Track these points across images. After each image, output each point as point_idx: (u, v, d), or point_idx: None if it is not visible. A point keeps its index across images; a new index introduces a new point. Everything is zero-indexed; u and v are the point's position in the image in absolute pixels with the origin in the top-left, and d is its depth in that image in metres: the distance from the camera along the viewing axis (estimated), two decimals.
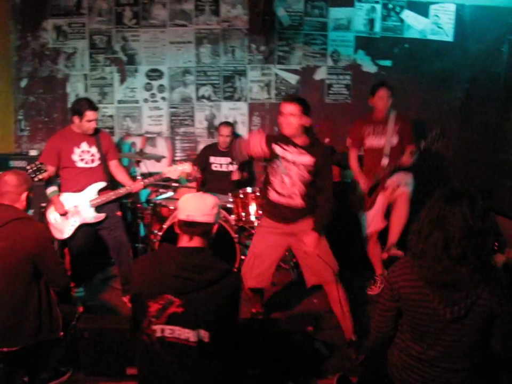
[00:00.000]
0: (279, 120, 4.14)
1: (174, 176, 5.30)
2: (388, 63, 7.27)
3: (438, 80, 7.30)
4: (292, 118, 4.05)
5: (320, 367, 4.10)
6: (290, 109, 4.06)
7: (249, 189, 5.96)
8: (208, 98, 7.23)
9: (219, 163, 6.59)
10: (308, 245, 4.16)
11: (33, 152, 6.50)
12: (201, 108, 7.25)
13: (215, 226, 2.80)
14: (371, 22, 7.17)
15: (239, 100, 7.25)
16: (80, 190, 5.08)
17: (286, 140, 4.16)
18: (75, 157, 5.07)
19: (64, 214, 4.98)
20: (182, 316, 2.54)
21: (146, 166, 6.85)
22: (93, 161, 5.15)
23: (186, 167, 5.27)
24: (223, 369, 2.67)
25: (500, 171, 7.36)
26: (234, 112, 7.26)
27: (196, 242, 2.69)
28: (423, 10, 7.17)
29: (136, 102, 7.19)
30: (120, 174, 5.34)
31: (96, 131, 5.20)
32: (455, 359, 2.53)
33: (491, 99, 7.33)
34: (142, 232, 6.56)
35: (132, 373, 3.84)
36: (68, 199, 5.04)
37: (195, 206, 2.69)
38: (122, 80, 7.13)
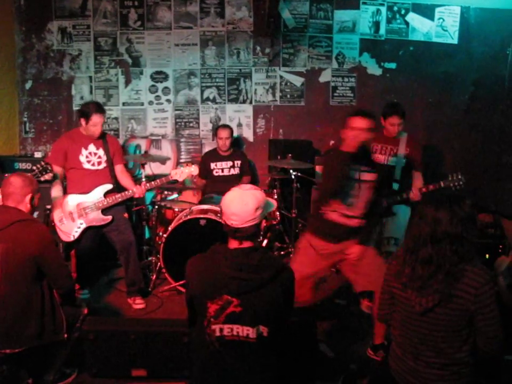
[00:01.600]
0: (348, 134, 3.91)
1: (180, 179, 5.31)
2: (392, 65, 7.26)
3: (443, 82, 7.29)
4: (362, 134, 3.87)
5: (325, 369, 4.08)
6: (363, 123, 3.87)
7: None
8: (213, 101, 7.23)
9: (220, 168, 6.55)
10: (354, 254, 4.03)
11: (38, 154, 6.47)
12: (206, 110, 7.25)
13: (263, 222, 2.79)
14: (376, 24, 7.16)
15: (244, 102, 7.25)
16: (86, 191, 5.08)
17: (357, 158, 3.96)
18: (82, 158, 5.08)
19: (61, 218, 4.99)
20: (240, 315, 2.56)
21: (151, 168, 6.86)
22: (99, 163, 5.15)
23: (193, 169, 5.27)
24: (279, 363, 2.71)
25: (504, 173, 7.36)
26: (239, 114, 7.26)
27: (246, 244, 2.65)
28: (428, 13, 7.17)
29: (141, 104, 7.19)
30: (124, 179, 5.33)
31: (103, 135, 5.20)
32: (432, 353, 2.60)
33: (496, 101, 7.36)
34: (147, 234, 6.56)
35: (137, 375, 3.85)
36: (74, 200, 5.05)
37: (237, 212, 2.59)
38: (127, 82, 7.14)
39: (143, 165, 5.96)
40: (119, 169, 5.33)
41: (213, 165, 6.51)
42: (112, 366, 3.87)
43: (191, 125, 7.26)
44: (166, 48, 7.09)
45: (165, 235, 5.55)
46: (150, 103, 7.19)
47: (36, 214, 4.45)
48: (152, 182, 5.27)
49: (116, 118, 7.18)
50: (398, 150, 5.17)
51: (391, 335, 2.90)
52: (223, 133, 6.45)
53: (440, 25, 7.20)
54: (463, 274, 2.49)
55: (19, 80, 7.03)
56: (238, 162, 6.54)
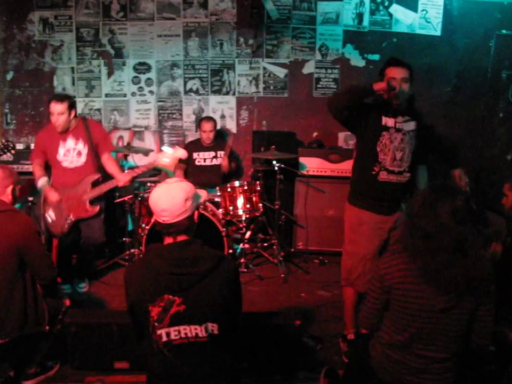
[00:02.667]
0: (385, 83, 3.74)
1: (168, 164, 5.16)
2: (376, 57, 7.26)
3: (426, 74, 7.28)
4: (405, 85, 3.76)
5: (309, 361, 4.10)
6: (404, 73, 3.77)
7: (237, 183, 5.97)
8: (196, 92, 7.20)
9: (202, 158, 6.56)
10: None
11: (19, 146, 6.40)
12: (189, 102, 7.22)
13: (196, 213, 2.68)
14: (359, 16, 7.16)
15: (227, 93, 7.23)
16: (70, 185, 5.05)
17: (390, 108, 3.86)
18: (59, 157, 5.07)
19: (58, 202, 4.96)
20: (185, 314, 2.47)
21: (134, 160, 6.83)
22: (78, 160, 5.10)
23: (181, 153, 5.03)
24: (234, 360, 2.65)
25: (487, 165, 7.40)
26: (222, 105, 7.24)
27: (181, 238, 2.59)
28: (411, 5, 7.16)
29: (124, 95, 7.15)
30: (110, 166, 5.23)
31: (85, 123, 5.14)
32: (438, 348, 2.55)
33: (479, 93, 7.37)
34: (130, 226, 6.54)
35: (120, 367, 3.85)
36: (62, 193, 5.03)
37: (167, 207, 2.54)
38: (110, 74, 7.09)
39: (126, 157, 5.94)
40: (105, 157, 5.24)
41: (195, 155, 6.52)
42: (94, 359, 3.86)
43: (174, 116, 7.23)
44: (149, 39, 7.04)
45: (147, 227, 5.54)
46: (133, 94, 7.15)
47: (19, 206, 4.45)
48: (136, 169, 5.21)
49: (99, 110, 7.13)
50: None
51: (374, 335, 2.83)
52: (207, 126, 6.44)
53: (424, 17, 7.20)
54: (482, 261, 2.45)
55: (0, 71, 6.96)
56: (221, 153, 6.54)
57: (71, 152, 5.07)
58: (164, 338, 2.49)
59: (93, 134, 5.14)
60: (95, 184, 5.10)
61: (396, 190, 3.90)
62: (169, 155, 4.98)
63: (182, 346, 2.49)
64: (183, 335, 2.49)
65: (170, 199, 2.55)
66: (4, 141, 4.57)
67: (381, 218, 3.94)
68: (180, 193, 2.57)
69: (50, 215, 5.01)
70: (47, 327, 3.59)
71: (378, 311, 2.74)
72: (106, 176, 5.27)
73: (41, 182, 5.00)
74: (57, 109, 4.89)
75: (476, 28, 7.21)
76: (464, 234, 2.41)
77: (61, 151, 5.04)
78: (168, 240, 2.60)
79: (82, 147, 5.09)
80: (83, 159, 5.11)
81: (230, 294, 2.60)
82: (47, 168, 5.23)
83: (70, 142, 5.06)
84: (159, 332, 2.49)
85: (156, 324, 2.49)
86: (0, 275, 3.33)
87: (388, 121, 3.85)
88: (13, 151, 4.60)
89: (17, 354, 3.59)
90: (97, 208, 5.10)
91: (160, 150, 5.57)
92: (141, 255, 2.60)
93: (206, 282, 2.50)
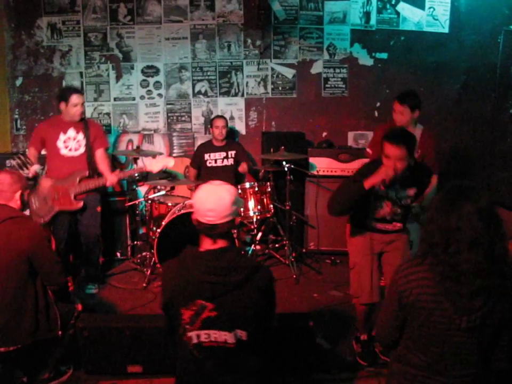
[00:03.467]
0: (384, 162, 3.71)
1: (155, 170, 5.37)
2: (384, 55, 7.25)
3: (435, 72, 7.28)
4: (399, 163, 3.65)
5: (323, 362, 4.09)
6: (399, 153, 3.64)
7: (247, 184, 5.99)
8: (205, 94, 7.21)
9: (213, 159, 6.55)
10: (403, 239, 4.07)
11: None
12: (198, 104, 7.23)
13: (237, 219, 2.67)
14: (367, 15, 7.14)
15: (235, 95, 7.23)
16: (62, 177, 5.18)
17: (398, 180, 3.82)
18: (59, 144, 5.20)
19: (47, 190, 5.09)
20: (216, 320, 2.49)
21: (144, 163, 6.84)
22: (77, 149, 5.26)
23: (169, 162, 5.34)
24: (263, 366, 2.65)
25: (497, 162, 7.36)
26: (231, 107, 7.24)
27: (220, 243, 2.59)
28: (418, 2, 7.15)
29: (133, 99, 7.17)
30: (102, 164, 5.39)
31: (84, 119, 5.35)
32: (462, 366, 2.39)
33: (488, 90, 7.34)
34: (140, 230, 6.56)
35: (133, 371, 3.86)
36: (49, 183, 5.13)
37: (214, 208, 2.52)
38: (118, 78, 7.11)
39: (135, 160, 5.96)
40: (99, 153, 5.41)
41: (206, 156, 6.52)
42: (107, 363, 3.87)
43: (183, 119, 7.24)
44: (157, 43, 7.05)
45: (158, 230, 5.55)
46: (142, 97, 7.17)
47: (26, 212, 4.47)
48: (125, 172, 5.35)
49: (108, 114, 7.14)
50: None
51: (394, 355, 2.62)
52: (219, 122, 6.47)
53: (431, 14, 7.18)
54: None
55: (9, 77, 6.99)
56: (232, 153, 6.53)
57: (72, 140, 5.24)
58: (194, 340, 2.52)
59: (90, 129, 5.32)
60: (82, 180, 5.21)
61: (384, 232, 4.03)
62: (159, 161, 5.32)
63: (211, 349, 2.52)
64: (212, 339, 2.51)
65: (218, 200, 2.54)
66: (22, 157, 4.65)
67: (372, 234, 4.07)
68: (227, 195, 2.57)
69: (35, 203, 5.08)
70: (59, 332, 3.60)
71: (398, 328, 2.55)
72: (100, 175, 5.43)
73: (35, 167, 5.06)
74: (82, 99, 5.21)
75: (483, 24, 7.19)
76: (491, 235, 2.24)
77: (62, 137, 5.20)
78: (207, 241, 2.60)
79: (81, 138, 5.26)
80: (82, 150, 5.27)
81: (264, 303, 2.60)
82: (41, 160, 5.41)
83: (71, 131, 5.24)
84: (189, 334, 2.52)
85: (187, 326, 2.52)
86: (11, 281, 3.34)
87: (382, 191, 3.87)
88: (30, 167, 4.74)
89: (31, 360, 3.61)
90: (80, 203, 5.19)
91: (153, 157, 5.72)
92: (178, 257, 2.60)
93: (240, 291, 2.51)
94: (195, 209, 2.61)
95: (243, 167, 6.53)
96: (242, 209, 5.88)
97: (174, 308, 2.57)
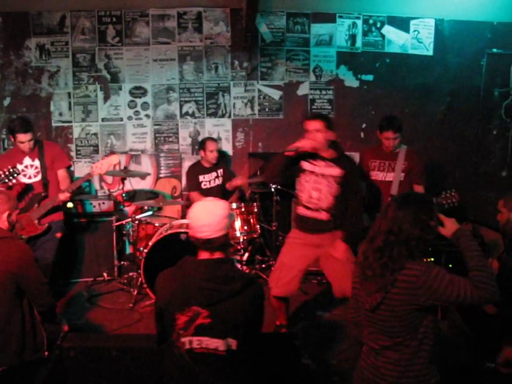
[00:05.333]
0: (306, 137, 4.31)
1: (103, 172, 5.34)
2: (369, 77, 7.34)
3: (420, 93, 7.38)
4: (317, 134, 4.27)
5: (308, 382, 4.09)
6: (315, 125, 4.29)
7: (234, 205, 6.01)
8: (192, 115, 7.25)
9: (207, 180, 6.55)
10: (338, 251, 4.31)
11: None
12: (185, 125, 7.26)
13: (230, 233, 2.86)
14: (352, 37, 7.25)
15: (222, 116, 7.28)
16: (23, 205, 5.16)
17: (313, 155, 4.36)
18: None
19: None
20: (209, 327, 2.58)
21: (131, 184, 6.85)
22: (36, 175, 5.30)
23: (114, 159, 5.33)
24: (250, 376, 2.73)
25: (481, 183, 7.45)
26: (218, 128, 7.28)
27: (217, 255, 2.71)
28: (403, 26, 7.27)
29: (120, 119, 7.19)
30: (63, 184, 5.41)
31: (39, 144, 5.35)
32: (390, 349, 2.64)
33: (472, 111, 7.47)
34: (127, 249, 6.56)
35: None
36: (13, 216, 5.10)
37: (209, 223, 2.65)
38: (106, 98, 7.14)
39: (122, 180, 5.97)
40: (60, 174, 5.45)
41: (201, 178, 6.51)
42: (94, 383, 3.86)
43: (171, 139, 7.26)
44: (145, 64, 7.10)
45: (145, 250, 5.55)
46: (129, 118, 7.19)
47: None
48: (74, 182, 5.36)
49: (95, 134, 7.16)
50: (396, 164, 5.21)
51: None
52: (213, 146, 6.47)
53: (416, 37, 7.30)
54: (402, 270, 2.54)
55: None
56: (220, 171, 6.56)
57: (29, 168, 5.28)
58: (187, 346, 2.61)
59: (46, 153, 5.35)
60: (40, 201, 5.23)
61: (316, 223, 4.44)
62: (104, 162, 5.28)
63: (202, 356, 2.60)
64: (204, 345, 2.60)
65: (212, 215, 2.68)
66: (9, 167, 4.66)
67: (301, 234, 4.55)
68: (220, 210, 2.72)
69: None
70: (46, 353, 3.59)
71: (354, 304, 2.92)
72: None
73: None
74: (28, 137, 5.14)
75: (467, 47, 7.34)
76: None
77: (19, 167, 5.20)
78: (205, 254, 2.71)
79: (38, 164, 5.30)
80: (40, 175, 5.31)
81: (254, 315, 2.71)
82: None
83: (28, 160, 5.28)
84: (183, 339, 2.61)
85: (181, 331, 2.60)
86: None
87: (305, 164, 4.42)
88: (18, 178, 4.77)
89: (17, 382, 3.58)
90: (44, 226, 5.20)
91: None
92: (174, 266, 2.71)
93: (234, 300, 2.61)
94: (190, 226, 2.72)
95: (235, 182, 6.52)
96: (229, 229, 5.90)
97: (169, 312, 2.66)
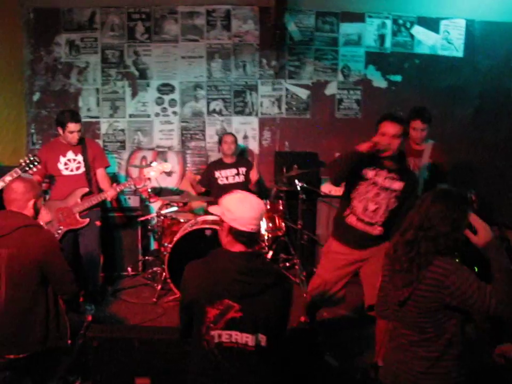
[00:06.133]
0: (380, 140, 3.82)
1: (152, 177, 5.49)
2: (398, 78, 7.29)
3: (449, 95, 7.31)
4: (395, 140, 3.82)
5: (330, 379, 4.06)
6: (396, 130, 3.82)
7: None
8: (219, 113, 7.26)
9: (225, 176, 6.48)
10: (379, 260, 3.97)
11: None
12: (212, 122, 7.28)
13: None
14: (381, 37, 7.20)
15: (249, 114, 7.28)
16: (64, 197, 5.27)
17: (378, 163, 3.95)
18: (60, 166, 5.34)
19: (48, 222, 5.05)
20: (240, 321, 2.53)
21: (157, 181, 6.87)
22: (78, 168, 5.38)
23: (165, 166, 5.48)
24: (278, 373, 2.70)
25: (509, 186, 7.34)
26: (245, 126, 7.28)
27: (252, 248, 2.68)
28: (433, 26, 7.21)
29: (148, 116, 7.22)
30: (103, 183, 5.52)
31: (82, 140, 5.42)
32: (412, 343, 2.62)
33: (501, 114, 7.36)
34: (152, 245, 6.58)
35: (141, 383, 3.83)
36: (53, 206, 5.22)
37: (258, 216, 2.62)
38: (134, 95, 7.18)
39: (149, 178, 5.99)
40: (99, 173, 5.54)
41: (217, 173, 6.47)
42: (115, 374, 3.85)
43: (197, 137, 7.28)
44: (173, 61, 7.13)
45: (170, 245, 5.56)
46: (157, 115, 7.22)
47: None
48: (122, 184, 5.48)
49: (122, 130, 7.20)
50: (422, 160, 4.95)
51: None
52: (228, 137, 6.47)
53: (446, 38, 7.24)
54: (429, 266, 2.50)
55: (27, 92, 7.08)
56: (243, 170, 6.51)
57: (72, 162, 5.36)
58: (216, 339, 2.55)
59: (89, 150, 5.43)
60: (84, 197, 5.31)
61: (363, 238, 4.06)
62: (155, 169, 5.43)
63: (231, 350, 2.55)
64: (233, 340, 2.55)
65: (260, 209, 2.66)
66: (30, 155, 4.69)
67: (346, 249, 4.16)
68: (261, 204, 2.70)
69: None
70: (69, 342, 3.60)
71: (382, 298, 2.91)
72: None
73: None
74: (78, 127, 5.27)
75: (497, 49, 7.25)
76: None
77: (62, 159, 5.33)
78: (240, 247, 2.64)
79: (81, 159, 5.38)
80: (81, 170, 5.38)
81: (283, 311, 2.67)
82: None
83: (71, 154, 5.37)
84: (212, 332, 2.55)
85: (211, 324, 2.55)
86: (23, 289, 3.34)
87: (368, 173, 3.98)
88: (39, 167, 4.73)
89: (40, 369, 3.59)
90: (86, 220, 5.29)
91: (149, 165, 5.75)
92: (204, 257, 2.66)
93: (265, 295, 2.56)
94: (234, 218, 2.61)
95: (254, 177, 6.43)
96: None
97: (199, 305, 2.60)
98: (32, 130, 7.13)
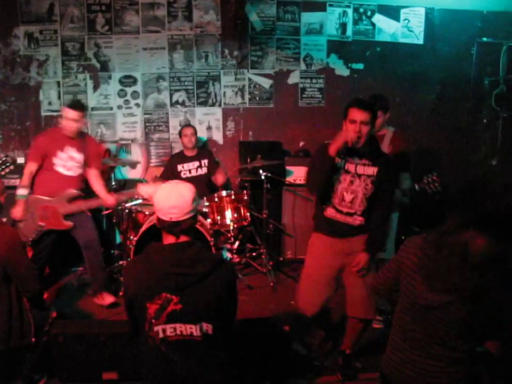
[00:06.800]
0: (347, 127, 3.72)
1: (146, 196, 5.07)
2: (360, 66, 7.35)
3: (410, 82, 7.40)
4: (364, 127, 3.68)
5: (299, 367, 4.10)
6: (364, 116, 3.68)
7: (224, 193, 6.00)
8: (182, 104, 7.23)
9: (187, 169, 6.52)
10: (356, 263, 3.85)
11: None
12: (175, 114, 7.24)
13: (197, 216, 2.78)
14: (343, 26, 7.24)
15: (213, 105, 7.26)
16: (52, 195, 5.04)
17: (349, 151, 3.78)
18: (56, 160, 5.04)
19: (19, 220, 4.94)
20: (181, 313, 2.52)
21: (121, 172, 6.82)
22: (74, 169, 5.12)
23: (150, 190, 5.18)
24: (229, 360, 2.68)
25: (472, 172, 7.46)
26: (208, 117, 7.27)
27: (183, 238, 2.63)
28: (393, 14, 7.28)
29: (110, 108, 7.15)
30: (97, 185, 5.28)
31: (83, 136, 5.21)
32: (433, 345, 2.54)
33: (462, 100, 7.49)
34: (118, 239, 6.54)
35: (108, 378, 3.83)
36: (38, 202, 5.01)
37: (177, 205, 2.58)
38: (96, 87, 7.10)
39: (112, 169, 5.95)
40: (93, 173, 5.29)
41: (180, 167, 6.49)
42: (82, 370, 3.84)
43: (161, 128, 7.24)
44: (134, 52, 7.07)
45: (135, 238, 5.54)
46: (119, 107, 7.16)
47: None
48: (124, 194, 5.35)
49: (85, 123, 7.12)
50: (382, 147, 4.66)
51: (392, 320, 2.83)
52: (187, 130, 6.51)
53: (406, 26, 7.31)
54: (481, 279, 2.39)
55: None
56: (205, 162, 6.53)
57: (70, 160, 5.09)
58: (161, 335, 2.54)
59: (88, 147, 5.20)
60: (73, 200, 5.09)
61: (344, 228, 3.92)
62: (152, 188, 4.92)
63: (177, 343, 2.54)
64: (178, 332, 2.54)
65: (180, 197, 2.61)
66: (1, 155, 4.55)
67: (328, 239, 4.00)
68: (188, 192, 2.65)
69: (22, 221, 4.96)
70: (33, 339, 3.57)
71: (388, 279, 2.84)
72: (89, 193, 5.35)
73: (20, 192, 4.99)
74: (76, 116, 5.00)
75: (457, 36, 7.35)
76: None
77: (60, 154, 5.04)
78: (170, 239, 2.63)
79: (80, 158, 5.14)
80: (77, 171, 5.15)
81: (227, 296, 2.65)
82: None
83: (71, 150, 5.09)
84: (156, 328, 2.54)
85: (153, 320, 2.53)
86: None
87: (340, 162, 3.84)
88: (11, 167, 4.53)
89: (4, 368, 3.55)
90: (70, 223, 5.07)
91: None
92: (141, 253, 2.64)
93: (204, 283, 2.55)
94: (157, 208, 2.64)
95: (221, 180, 6.53)
96: (219, 217, 5.92)
97: (139, 303, 2.59)
98: None
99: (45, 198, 5.03)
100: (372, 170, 3.83)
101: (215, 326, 2.56)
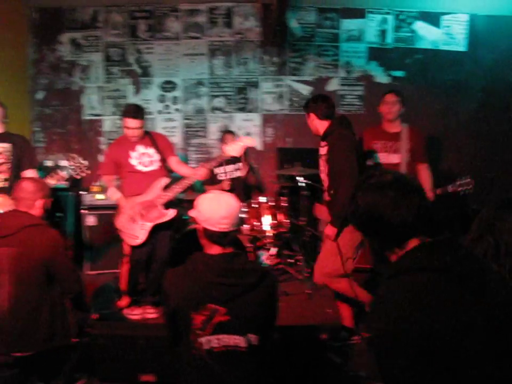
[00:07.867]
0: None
1: (237, 154, 4.96)
2: (400, 73, 7.30)
3: (451, 90, 7.31)
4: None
5: (334, 376, 4.08)
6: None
7: (263, 199, 6.00)
8: (221, 110, 7.29)
9: (223, 172, 6.55)
10: (325, 234, 4.20)
11: (48, 163, 6.59)
12: (214, 119, 7.30)
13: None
14: (383, 33, 7.21)
15: (252, 111, 7.30)
16: (143, 192, 4.98)
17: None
18: (133, 161, 5.01)
19: (130, 211, 4.93)
20: (228, 324, 2.48)
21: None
22: (151, 163, 5.06)
23: (249, 142, 4.96)
24: (270, 371, 2.66)
25: None
26: (247, 123, 7.32)
27: (229, 249, 2.63)
28: (434, 21, 7.22)
29: (150, 113, 7.24)
30: (182, 168, 5.15)
31: (148, 134, 5.15)
32: None
33: (504, 108, 7.35)
34: None
35: (145, 380, 3.87)
36: (133, 202, 4.96)
37: (227, 215, 2.57)
38: (137, 92, 7.22)
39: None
40: (173, 161, 5.17)
41: (216, 170, 6.48)
42: (120, 371, 3.89)
43: (200, 134, 7.31)
44: (175, 58, 7.17)
45: None
46: (159, 112, 7.26)
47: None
48: (210, 162, 5.07)
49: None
50: (401, 145, 5.00)
51: None
52: (228, 137, 6.44)
53: (447, 33, 7.23)
54: None
55: (31, 90, 7.13)
56: (239, 164, 6.57)
57: (144, 156, 5.05)
58: (206, 346, 2.48)
59: (158, 141, 5.15)
60: (166, 188, 5.01)
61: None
62: (238, 145, 4.86)
63: (223, 354, 2.49)
64: (223, 343, 2.49)
65: (230, 208, 2.60)
66: (77, 159, 4.53)
67: None
68: (236, 203, 2.64)
69: (124, 225, 4.96)
70: (75, 340, 3.63)
71: None
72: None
73: (111, 192, 5.07)
74: (136, 124, 4.91)
75: (500, 43, 7.23)
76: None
77: (133, 154, 5.01)
78: (215, 249, 2.62)
79: (152, 152, 5.08)
80: (156, 164, 5.09)
81: (270, 308, 2.64)
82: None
83: (141, 147, 5.04)
84: (201, 339, 2.49)
85: (198, 331, 2.49)
86: (28, 288, 3.38)
87: (320, 149, 4.41)
88: (89, 172, 4.61)
89: (46, 367, 3.63)
90: (173, 211, 5.01)
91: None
92: (183, 264, 2.59)
93: (251, 294, 2.53)
94: (205, 219, 2.61)
95: (225, 185, 6.43)
96: (257, 223, 5.93)
97: (183, 313, 2.54)
98: (36, 129, 7.17)
99: (138, 196, 4.97)
100: (326, 149, 4.24)
101: (260, 337, 2.53)
